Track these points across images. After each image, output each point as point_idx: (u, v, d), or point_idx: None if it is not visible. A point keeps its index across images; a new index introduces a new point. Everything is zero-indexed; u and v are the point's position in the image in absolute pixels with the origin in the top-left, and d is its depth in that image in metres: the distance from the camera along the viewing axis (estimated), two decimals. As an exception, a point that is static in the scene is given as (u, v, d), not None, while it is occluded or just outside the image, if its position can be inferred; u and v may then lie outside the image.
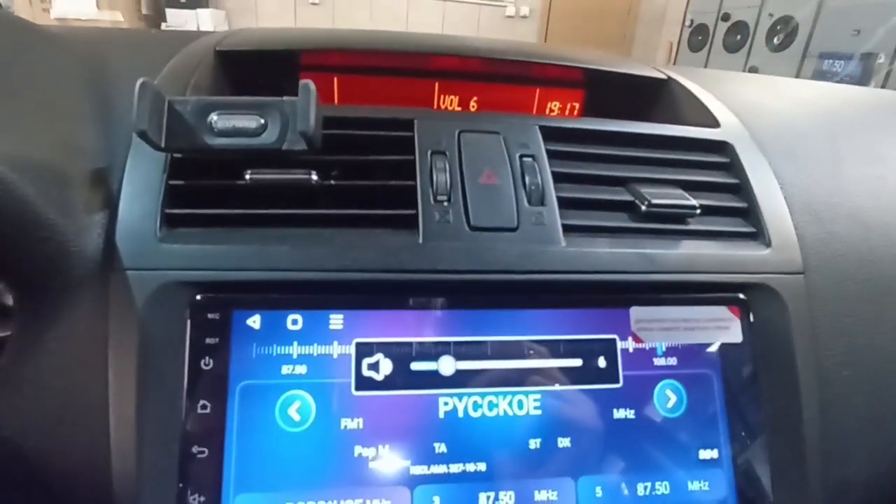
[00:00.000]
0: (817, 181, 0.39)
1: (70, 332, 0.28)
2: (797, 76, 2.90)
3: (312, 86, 0.29)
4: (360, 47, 0.46)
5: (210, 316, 0.28)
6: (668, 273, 0.32)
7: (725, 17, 3.37)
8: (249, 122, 0.30)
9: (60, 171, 0.27)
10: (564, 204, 0.33)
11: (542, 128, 0.36)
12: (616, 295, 0.32)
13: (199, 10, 3.34)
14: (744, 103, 0.46)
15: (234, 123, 0.30)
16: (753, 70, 3.17)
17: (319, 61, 0.49)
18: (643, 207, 0.34)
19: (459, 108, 0.52)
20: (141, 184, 0.30)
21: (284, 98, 0.31)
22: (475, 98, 0.52)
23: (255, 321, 0.29)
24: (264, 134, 0.30)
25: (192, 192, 0.31)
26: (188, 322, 0.28)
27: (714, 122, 0.42)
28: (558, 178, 0.34)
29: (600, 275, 0.31)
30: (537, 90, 0.52)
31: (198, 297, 0.28)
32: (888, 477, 0.36)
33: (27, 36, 0.33)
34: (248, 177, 0.30)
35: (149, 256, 0.28)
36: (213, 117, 0.30)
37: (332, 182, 0.32)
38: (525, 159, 0.34)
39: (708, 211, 0.35)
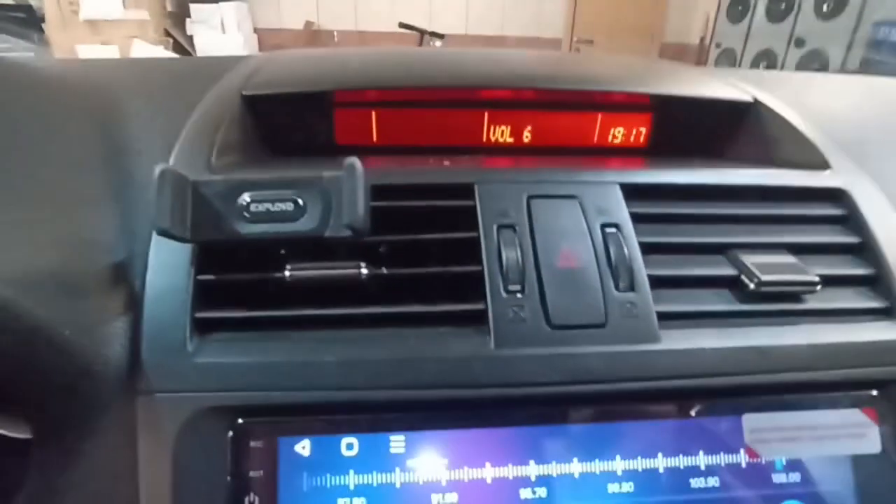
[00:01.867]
0: None
1: (94, 465, 0.24)
2: (850, 45, 2.70)
3: (359, 166, 0.25)
4: (399, 84, 0.41)
5: (253, 444, 0.25)
6: (786, 371, 0.27)
7: (769, -15, 3.16)
8: (285, 204, 0.26)
9: (73, 277, 0.24)
10: (657, 283, 0.28)
11: (623, 186, 0.31)
12: (725, 401, 0.27)
13: (223, 4, 3.31)
14: (853, 131, 0.39)
15: (267, 207, 0.26)
16: (800, 41, 2.97)
17: (354, 98, 0.44)
18: (751, 286, 0.28)
19: (511, 140, 0.46)
20: (166, 281, 0.26)
21: (324, 174, 0.26)
22: (529, 127, 0.46)
23: (304, 447, 0.25)
24: (303, 218, 0.26)
25: (224, 289, 0.27)
26: (229, 452, 0.24)
27: (821, 162, 0.35)
28: (646, 248, 0.29)
29: (706, 378, 0.26)
30: (599, 115, 0.46)
31: (238, 421, 0.25)
32: None
33: (26, 94, 0.30)
34: (287, 273, 0.26)
35: (180, 375, 0.25)
36: (245, 199, 0.26)
37: (385, 270, 0.28)
38: (608, 230, 0.29)
39: (828, 282, 0.29)
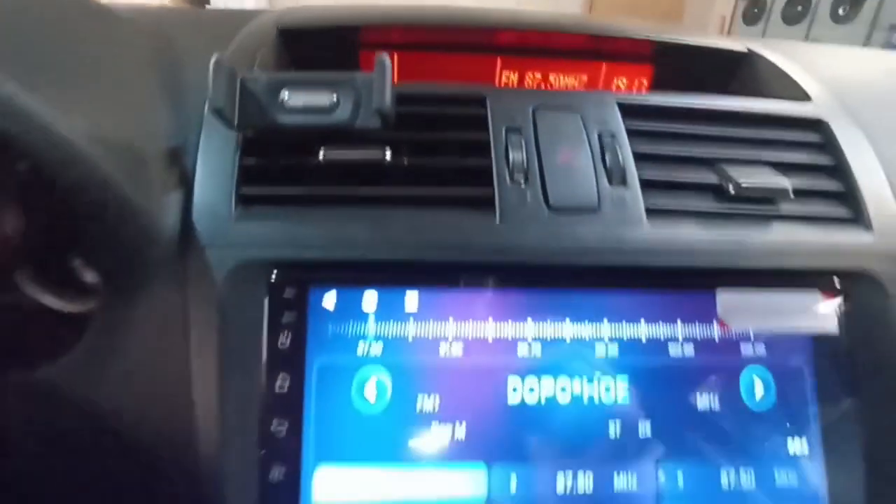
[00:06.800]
0: None
1: (151, 309, 0.28)
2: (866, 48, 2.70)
3: (388, 61, 0.29)
4: (420, 22, 0.45)
5: (287, 293, 0.29)
6: (758, 258, 0.31)
7: (785, -12, 3.16)
8: (321, 98, 0.30)
9: (138, 150, 0.27)
10: (647, 185, 0.32)
11: (620, 105, 0.35)
12: (702, 279, 0.31)
13: (243, -9, 3.36)
14: (835, 76, 0.42)
15: (305, 100, 0.30)
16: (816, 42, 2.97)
17: (379, 38, 0.48)
18: (731, 190, 0.32)
19: (523, 85, 0.50)
20: (214, 163, 0.30)
21: (357, 74, 0.30)
22: (538, 74, 0.50)
23: (330, 298, 0.29)
24: (337, 111, 0.30)
25: (264, 171, 0.31)
26: (266, 300, 0.28)
27: (804, 96, 0.39)
28: (640, 157, 0.33)
29: (686, 258, 0.30)
30: (603, 65, 0.50)
31: (274, 274, 0.29)
32: None
33: (96, 18, 0.34)
34: (321, 155, 0.30)
35: (225, 236, 0.29)
36: (285, 94, 0.30)
37: (406, 160, 0.31)
38: (605, 138, 0.33)
39: (802, 194, 0.33)
